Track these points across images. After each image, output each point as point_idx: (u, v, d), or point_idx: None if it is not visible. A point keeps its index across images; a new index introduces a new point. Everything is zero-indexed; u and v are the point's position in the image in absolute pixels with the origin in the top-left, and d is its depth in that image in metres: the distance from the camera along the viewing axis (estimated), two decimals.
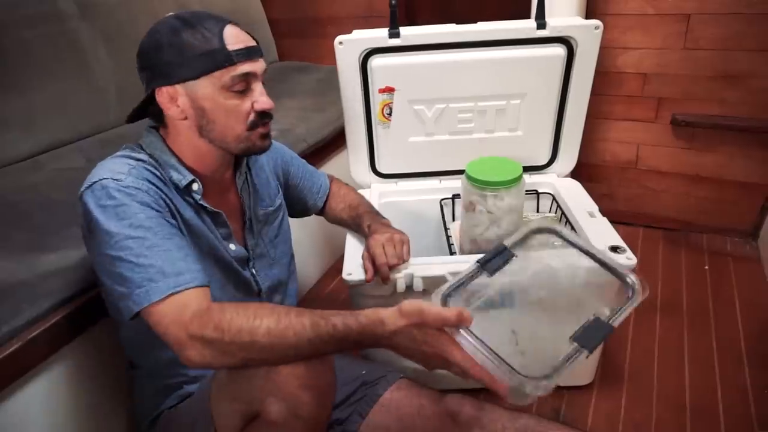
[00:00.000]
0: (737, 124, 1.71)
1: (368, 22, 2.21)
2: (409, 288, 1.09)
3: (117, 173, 0.80)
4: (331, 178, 1.28)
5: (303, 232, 1.51)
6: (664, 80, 1.77)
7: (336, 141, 1.77)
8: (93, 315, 0.97)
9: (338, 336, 0.70)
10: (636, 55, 1.77)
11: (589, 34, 1.24)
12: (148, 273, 0.74)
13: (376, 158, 1.44)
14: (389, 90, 1.31)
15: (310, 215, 1.26)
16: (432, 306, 0.71)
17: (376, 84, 1.31)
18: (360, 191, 1.32)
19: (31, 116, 1.48)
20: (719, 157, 1.79)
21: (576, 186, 1.41)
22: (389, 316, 0.70)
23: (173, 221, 0.84)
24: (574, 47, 1.26)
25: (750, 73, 1.64)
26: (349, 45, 1.26)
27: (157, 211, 0.80)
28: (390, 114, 1.35)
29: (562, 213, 1.34)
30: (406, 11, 2.19)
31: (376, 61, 1.28)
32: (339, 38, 1.25)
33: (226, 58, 0.81)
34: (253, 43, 0.86)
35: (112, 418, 1.05)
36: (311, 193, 1.21)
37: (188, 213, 0.89)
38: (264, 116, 0.89)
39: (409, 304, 0.70)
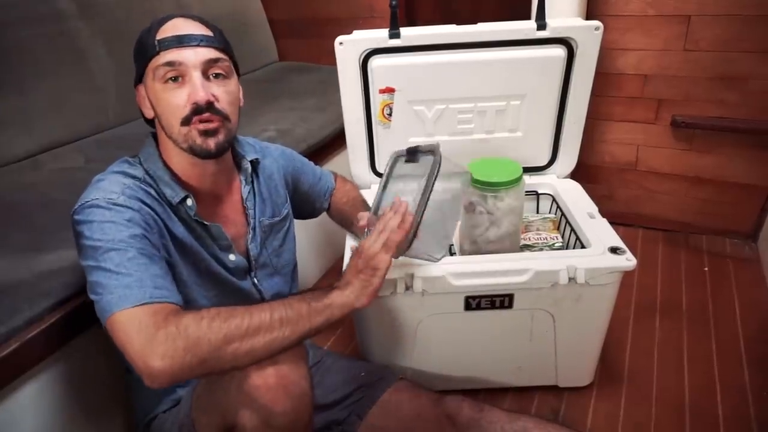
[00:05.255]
0: (737, 126, 1.71)
1: (368, 22, 2.22)
2: (409, 289, 1.09)
3: (109, 192, 0.79)
4: (335, 176, 1.27)
5: (303, 232, 1.50)
6: (664, 82, 1.76)
7: (336, 141, 1.77)
8: (92, 316, 0.96)
9: (315, 306, 0.79)
10: (636, 56, 1.77)
11: (589, 35, 1.24)
12: (125, 281, 0.72)
13: (376, 158, 1.43)
14: (389, 90, 1.31)
15: (316, 217, 1.26)
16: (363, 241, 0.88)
17: (376, 84, 1.31)
18: (360, 191, 1.32)
19: (30, 116, 1.47)
20: (719, 159, 1.79)
21: (576, 187, 1.41)
22: (349, 275, 0.85)
23: (161, 242, 0.83)
24: (575, 48, 1.26)
25: (750, 75, 1.64)
26: (350, 45, 1.26)
27: (144, 230, 0.79)
28: (390, 114, 1.35)
29: (562, 214, 1.34)
30: (406, 12, 2.19)
31: (376, 62, 1.28)
32: (339, 38, 1.25)
33: (151, 48, 0.81)
34: (192, 32, 0.82)
35: (110, 420, 1.05)
36: (319, 196, 1.21)
37: (181, 232, 0.87)
38: (200, 110, 0.81)
39: (350, 262, 0.87)
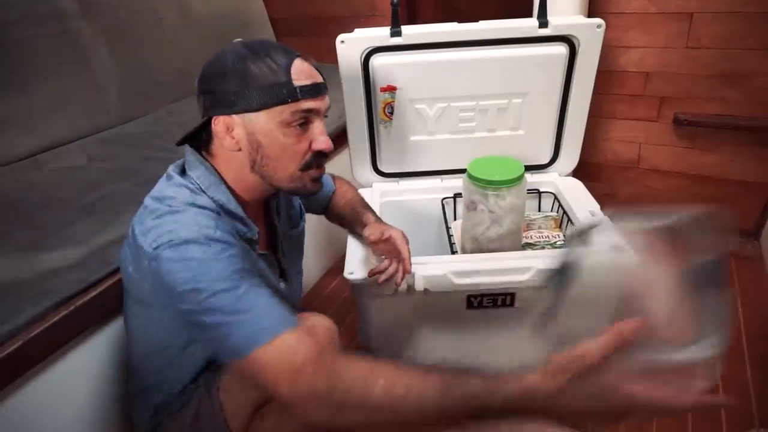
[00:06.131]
0: (739, 123, 1.71)
1: (370, 20, 2.21)
2: (411, 288, 1.08)
3: (204, 227, 0.73)
4: (334, 177, 1.27)
5: None
6: (666, 79, 1.76)
7: (337, 140, 1.74)
8: (93, 315, 0.97)
9: (477, 405, 0.57)
10: (638, 53, 1.77)
11: (591, 32, 1.24)
12: (249, 316, 0.68)
13: (377, 157, 1.43)
14: (391, 89, 1.31)
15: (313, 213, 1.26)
16: (589, 343, 0.55)
17: (377, 83, 1.30)
18: (362, 190, 1.32)
19: (32, 115, 1.47)
20: (721, 157, 1.79)
21: (578, 185, 1.40)
22: (541, 380, 0.55)
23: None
24: (576, 46, 1.26)
25: (752, 72, 1.64)
26: (351, 44, 1.25)
27: (247, 264, 0.75)
28: (392, 113, 1.35)
29: (564, 212, 1.34)
30: (407, 10, 2.19)
31: (377, 60, 1.28)
32: (341, 37, 1.24)
33: (291, 94, 0.78)
34: (320, 80, 0.83)
35: (112, 420, 1.05)
36: (320, 198, 1.21)
37: (258, 266, 0.86)
38: (320, 157, 0.85)
39: (556, 356, 0.56)
